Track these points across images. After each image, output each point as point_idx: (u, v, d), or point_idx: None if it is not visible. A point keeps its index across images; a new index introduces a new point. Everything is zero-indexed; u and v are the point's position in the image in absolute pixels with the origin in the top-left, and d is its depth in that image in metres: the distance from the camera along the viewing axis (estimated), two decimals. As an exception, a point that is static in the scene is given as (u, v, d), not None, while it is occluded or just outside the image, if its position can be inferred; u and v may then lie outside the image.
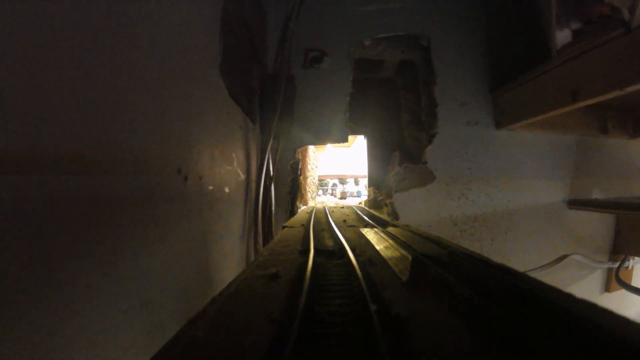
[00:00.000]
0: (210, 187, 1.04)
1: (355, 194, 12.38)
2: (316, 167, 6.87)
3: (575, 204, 2.71)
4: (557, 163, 2.68)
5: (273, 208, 1.81)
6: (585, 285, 2.90)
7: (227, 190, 1.22)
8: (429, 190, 2.40)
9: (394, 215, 2.27)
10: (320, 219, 1.59)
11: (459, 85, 2.49)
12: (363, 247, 0.90)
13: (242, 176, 1.40)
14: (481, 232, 2.53)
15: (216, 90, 1.14)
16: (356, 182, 14.83)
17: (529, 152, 2.63)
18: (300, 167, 2.24)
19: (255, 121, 1.81)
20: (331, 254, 0.82)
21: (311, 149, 4.60)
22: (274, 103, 1.79)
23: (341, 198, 10.97)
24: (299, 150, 2.14)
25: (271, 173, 1.84)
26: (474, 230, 2.54)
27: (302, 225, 1.34)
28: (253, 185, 1.63)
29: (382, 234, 1.07)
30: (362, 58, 2.63)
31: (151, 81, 0.69)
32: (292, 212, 2.30)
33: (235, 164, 1.30)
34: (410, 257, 0.68)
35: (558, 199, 2.73)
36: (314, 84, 2.28)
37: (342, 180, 14.78)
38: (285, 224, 1.35)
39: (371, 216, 1.71)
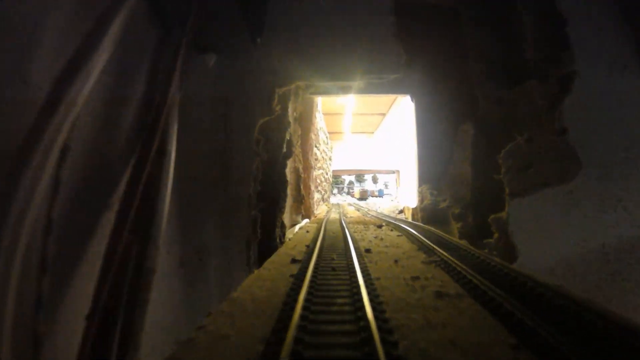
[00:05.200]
0: None
1: (377, 193, 10.92)
2: (329, 158, 5.56)
3: None
4: None
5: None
6: None
7: None
8: (571, 191, 1.20)
9: (509, 250, 1.01)
10: None
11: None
12: None
13: None
14: (637, 272, 1.32)
15: None
16: (374, 180, 13.39)
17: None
18: (289, 138, 1.01)
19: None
20: None
21: (322, 128, 3.28)
22: None
23: (361, 198, 9.62)
24: (281, 92, 0.90)
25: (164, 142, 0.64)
26: (630, 270, 1.32)
27: None
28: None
29: None
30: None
31: None
32: (267, 249, 1.13)
33: None
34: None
35: None
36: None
37: (360, 177, 13.37)
38: None
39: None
